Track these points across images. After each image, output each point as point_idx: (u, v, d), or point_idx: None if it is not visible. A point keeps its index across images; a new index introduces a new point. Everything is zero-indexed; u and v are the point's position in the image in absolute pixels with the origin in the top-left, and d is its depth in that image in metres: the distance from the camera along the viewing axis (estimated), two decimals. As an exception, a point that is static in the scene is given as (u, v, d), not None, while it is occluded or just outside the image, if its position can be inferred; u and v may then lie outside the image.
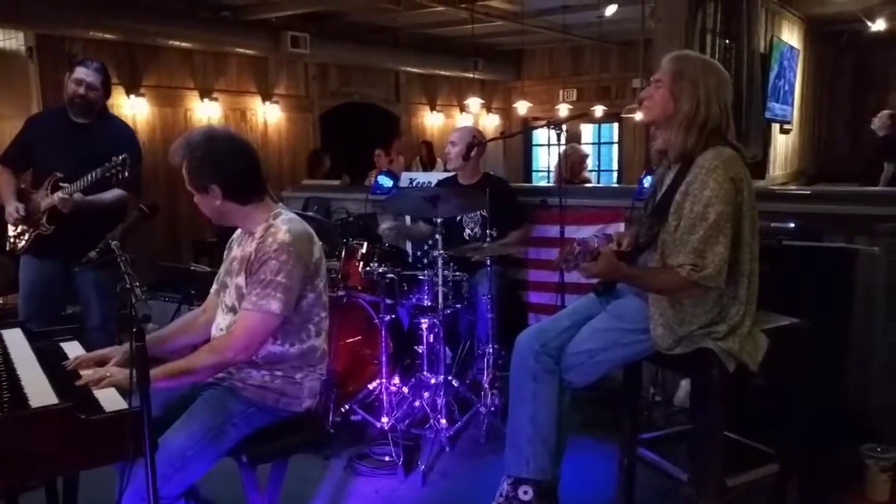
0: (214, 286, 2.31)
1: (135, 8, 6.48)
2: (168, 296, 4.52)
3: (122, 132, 3.64)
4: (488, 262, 3.54)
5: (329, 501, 2.88)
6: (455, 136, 4.07)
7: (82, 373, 1.89)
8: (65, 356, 2.08)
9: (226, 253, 2.31)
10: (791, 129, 8.81)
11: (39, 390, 1.72)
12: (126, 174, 3.26)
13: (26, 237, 3.46)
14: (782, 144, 8.64)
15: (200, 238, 6.74)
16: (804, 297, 2.58)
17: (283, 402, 2.13)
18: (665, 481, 2.60)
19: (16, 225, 3.47)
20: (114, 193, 3.44)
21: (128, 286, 1.64)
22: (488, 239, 3.55)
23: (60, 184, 3.32)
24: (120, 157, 3.24)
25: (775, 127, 8.14)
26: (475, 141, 3.97)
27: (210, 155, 2.07)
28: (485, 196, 3.58)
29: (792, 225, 3.22)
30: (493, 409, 3.44)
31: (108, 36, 6.55)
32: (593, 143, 11.97)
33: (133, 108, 6.95)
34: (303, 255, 2.08)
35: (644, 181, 3.76)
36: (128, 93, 6.91)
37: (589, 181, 6.01)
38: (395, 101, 9.97)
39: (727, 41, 4.74)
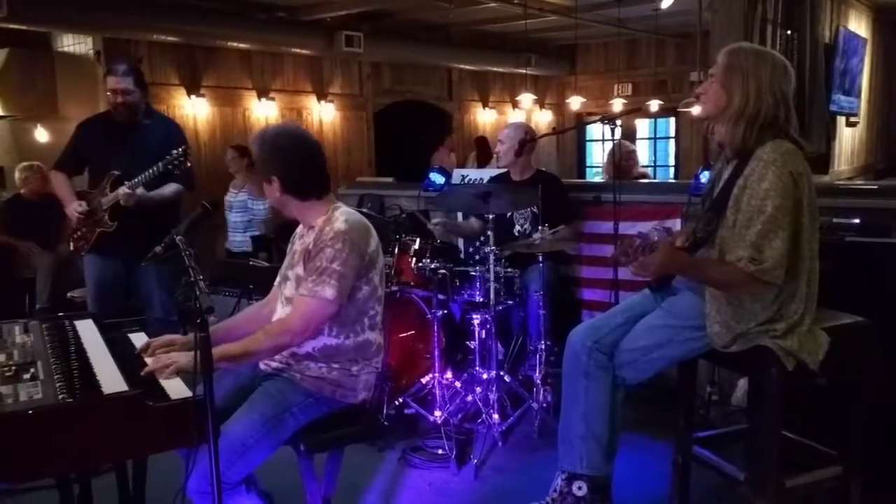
0: (277, 280, 2.38)
1: (195, 11, 6.67)
2: (228, 290, 4.65)
3: (169, 128, 3.75)
4: (540, 259, 3.54)
5: (383, 492, 2.93)
6: (504, 134, 4.07)
7: (147, 360, 1.97)
8: (133, 346, 2.18)
9: (288, 248, 2.38)
10: (858, 122, 8.49)
11: (110, 378, 1.80)
12: (187, 164, 3.37)
13: (89, 237, 3.58)
14: (848, 138, 8.33)
15: (259, 234, 6.88)
16: (868, 295, 2.51)
17: (340, 393, 2.18)
18: (721, 481, 2.56)
19: (79, 222, 3.58)
20: (171, 188, 3.55)
21: (192, 279, 1.71)
22: (539, 235, 3.55)
23: (124, 181, 3.42)
24: (180, 149, 3.35)
25: (840, 120, 7.84)
26: (527, 137, 3.96)
27: (274, 149, 2.18)
28: (536, 192, 3.57)
29: (857, 221, 3.11)
30: (545, 405, 3.44)
31: (170, 38, 6.77)
32: (649, 138, 11.78)
33: (193, 109, 7.16)
34: (358, 244, 2.13)
35: (701, 176, 3.70)
36: (188, 93, 7.12)
37: (646, 177, 5.91)
38: (447, 98, 10.00)
39: (789, 31, 4.60)
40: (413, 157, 8.65)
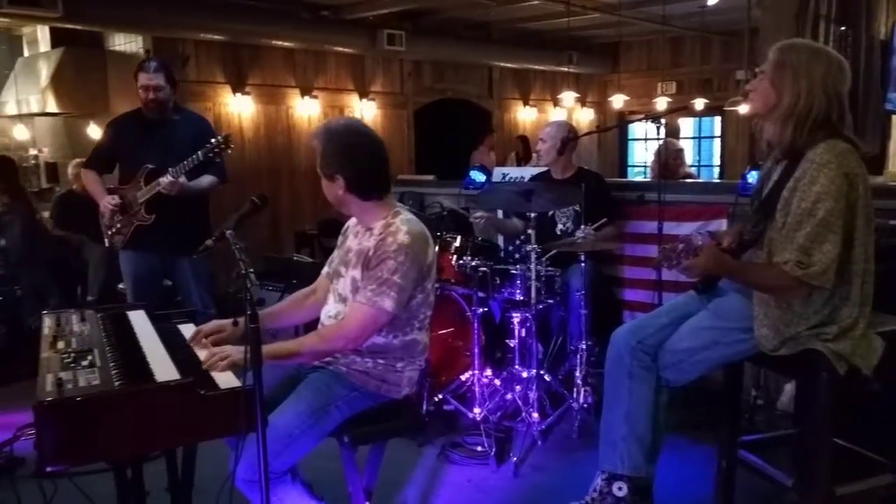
0: (326, 269, 2.40)
1: (241, 10, 6.78)
2: (272, 285, 4.72)
3: (198, 123, 3.81)
4: (582, 258, 3.52)
5: (423, 486, 2.95)
6: (545, 133, 4.05)
7: (198, 352, 2.01)
8: (182, 337, 2.23)
9: (340, 240, 2.39)
10: (914, 122, 8.22)
11: (163, 366, 1.85)
12: (229, 152, 3.42)
13: (125, 232, 3.63)
14: (902, 138, 8.08)
15: (302, 230, 6.99)
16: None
17: (384, 388, 2.20)
18: (767, 486, 2.51)
19: (113, 217, 3.63)
20: (207, 179, 3.61)
21: (242, 272, 1.74)
22: (581, 234, 3.53)
23: (160, 175, 3.46)
24: (221, 136, 3.40)
25: (896, 119, 7.61)
26: (569, 135, 3.94)
27: (342, 146, 2.16)
28: (578, 191, 3.55)
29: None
30: (585, 405, 3.43)
31: (216, 37, 6.89)
32: (693, 138, 11.60)
33: (238, 106, 7.28)
34: (419, 257, 2.14)
35: (749, 176, 3.64)
36: (234, 91, 7.24)
37: (691, 177, 5.82)
38: (487, 96, 9.99)
39: (843, 28, 4.48)
40: (453, 156, 8.67)
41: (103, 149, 3.81)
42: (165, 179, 3.44)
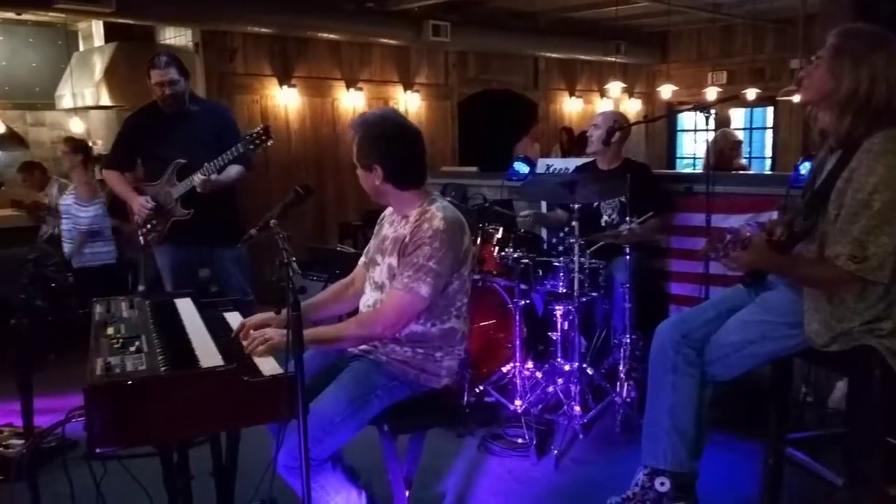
0: (363, 259, 2.42)
1: (288, 3, 6.85)
2: (315, 275, 4.77)
3: (217, 112, 3.78)
4: (627, 250, 3.47)
5: (463, 476, 2.95)
6: (599, 120, 4.00)
7: (243, 341, 2.04)
8: (227, 324, 2.27)
9: (376, 229, 2.41)
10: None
11: (207, 352, 1.89)
12: (269, 143, 3.43)
13: (160, 229, 3.62)
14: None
15: (345, 221, 7.05)
16: None
17: (423, 377, 2.21)
18: (816, 485, 2.45)
19: (147, 219, 3.61)
20: (235, 170, 3.58)
21: (285, 261, 1.76)
22: (627, 225, 3.47)
23: (192, 169, 3.46)
24: (260, 128, 3.38)
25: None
26: (616, 125, 3.88)
27: (380, 137, 2.17)
28: (624, 182, 3.49)
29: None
30: (628, 399, 3.38)
31: (263, 30, 6.98)
32: (745, 129, 11.31)
33: (285, 99, 7.37)
34: (455, 243, 2.14)
35: (801, 167, 3.53)
36: (280, 84, 7.33)
37: (744, 168, 5.68)
38: (533, 87, 9.90)
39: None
40: (496, 147, 8.63)
41: (122, 147, 3.77)
42: (198, 178, 3.42)
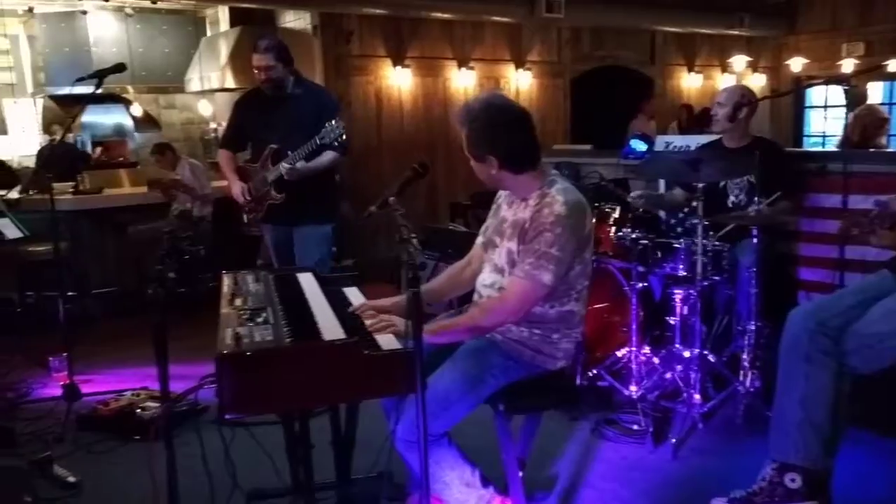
0: (480, 238, 2.40)
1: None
2: (427, 253, 4.82)
3: (319, 97, 3.74)
4: (754, 233, 3.27)
5: (575, 461, 2.91)
6: (722, 97, 3.78)
7: (366, 320, 2.07)
8: (346, 298, 2.32)
9: (493, 210, 2.38)
10: None
11: (330, 326, 1.94)
12: (343, 138, 3.39)
13: (260, 209, 3.73)
14: None
15: (455, 201, 7.07)
16: None
17: (539, 359, 2.18)
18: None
19: (246, 203, 3.74)
20: (328, 156, 3.58)
21: (405, 237, 1.77)
22: (756, 206, 3.27)
23: (284, 154, 3.51)
24: (334, 124, 3.34)
25: None
26: (744, 100, 3.66)
27: (489, 127, 2.13)
28: (753, 160, 3.29)
29: None
30: (752, 389, 3.21)
31: (378, 11, 7.07)
32: (884, 104, 10.44)
33: (398, 79, 7.45)
34: (577, 228, 2.09)
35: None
36: (394, 64, 7.41)
37: (883, 147, 5.23)
38: (649, 62, 9.53)
39: None
40: (608, 125, 8.38)
41: (232, 128, 3.90)
42: (284, 166, 3.49)
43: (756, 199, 3.27)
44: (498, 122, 2.13)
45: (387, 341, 1.89)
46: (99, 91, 3.34)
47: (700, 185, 3.15)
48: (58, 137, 7.43)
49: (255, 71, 3.61)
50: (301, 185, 3.56)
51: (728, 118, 3.65)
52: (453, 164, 7.46)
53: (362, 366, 1.77)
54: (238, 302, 2.13)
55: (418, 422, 1.71)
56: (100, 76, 3.31)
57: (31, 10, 7.91)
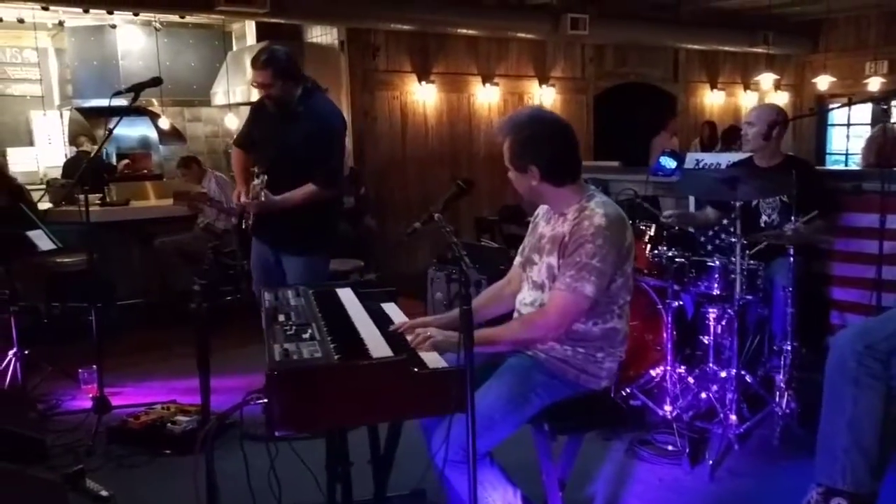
0: (518, 259, 2.39)
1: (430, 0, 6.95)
2: (454, 269, 4.81)
3: (319, 119, 3.36)
4: (790, 252, 3.24)
5: (612, 481, 2.87)
6: (753, 116, 3.76)
7: (407, 336, 2.06)
8: (387, 315, 2.31)
9: (531, 228, 2.38)
10: None
11: (375, 343, 1.93)
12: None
13: (249, 219, 3.48)
14: None
15: (480, 216, 7.07)
16: None
17: (583, 378, 2.16)
18: None
19: (241, 210, 3.50)
20: (302, 191, 3.32)
21: (457, 254, 1.77)
22: (791, 226, 3.24)
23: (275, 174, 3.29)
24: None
25: None
26: (778, 118, 3.64)
27: (534, 137, 2.13)
28: (788, 179, 3.27)
29: None
30: (788, 411, 3.16)
31: (405, 27, 7.12)
32: (906, 123, 10.35)
33: (423, 95, 7.49)
34: (618, 240, 2.08)
35: None
36: (419, 80, 7.45)
37: (911, 165, 5.17)
38: (672, 79, 9.53)
39: None
40: (629, 141, 8.37)
41: (245, 130, 3.72)
42: (249, 200, 3.28)
43: (793, 217, 3.24)
44: (543, 133, 2.14)
45: (432, 359, 1.88)
46: (131, 104, 3.32)
47: (738, 203, 3.12)
48: (88, 149, 7.52)
49: (255, 87, 3.40)
50: (283, 211, 3.34)
51: (763, 136, 3.63)
52: (477, 180, 7.43)
53: (410, 384, 1.76)
54: (281, 317, 2.12)
55: (469, 441, 1.70)
56: (137, 90, 3.32)
57: (61, 23, 8.04)
